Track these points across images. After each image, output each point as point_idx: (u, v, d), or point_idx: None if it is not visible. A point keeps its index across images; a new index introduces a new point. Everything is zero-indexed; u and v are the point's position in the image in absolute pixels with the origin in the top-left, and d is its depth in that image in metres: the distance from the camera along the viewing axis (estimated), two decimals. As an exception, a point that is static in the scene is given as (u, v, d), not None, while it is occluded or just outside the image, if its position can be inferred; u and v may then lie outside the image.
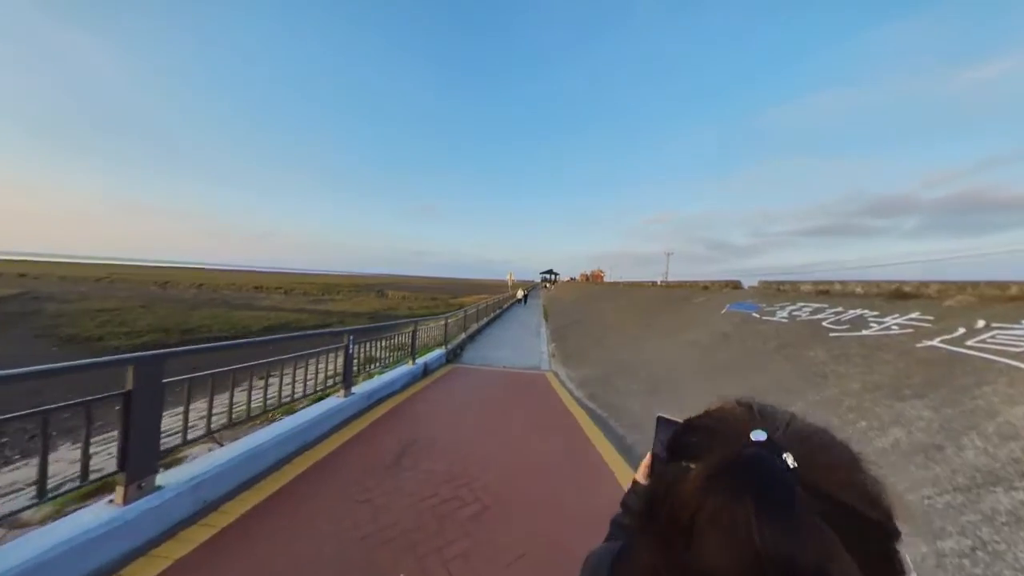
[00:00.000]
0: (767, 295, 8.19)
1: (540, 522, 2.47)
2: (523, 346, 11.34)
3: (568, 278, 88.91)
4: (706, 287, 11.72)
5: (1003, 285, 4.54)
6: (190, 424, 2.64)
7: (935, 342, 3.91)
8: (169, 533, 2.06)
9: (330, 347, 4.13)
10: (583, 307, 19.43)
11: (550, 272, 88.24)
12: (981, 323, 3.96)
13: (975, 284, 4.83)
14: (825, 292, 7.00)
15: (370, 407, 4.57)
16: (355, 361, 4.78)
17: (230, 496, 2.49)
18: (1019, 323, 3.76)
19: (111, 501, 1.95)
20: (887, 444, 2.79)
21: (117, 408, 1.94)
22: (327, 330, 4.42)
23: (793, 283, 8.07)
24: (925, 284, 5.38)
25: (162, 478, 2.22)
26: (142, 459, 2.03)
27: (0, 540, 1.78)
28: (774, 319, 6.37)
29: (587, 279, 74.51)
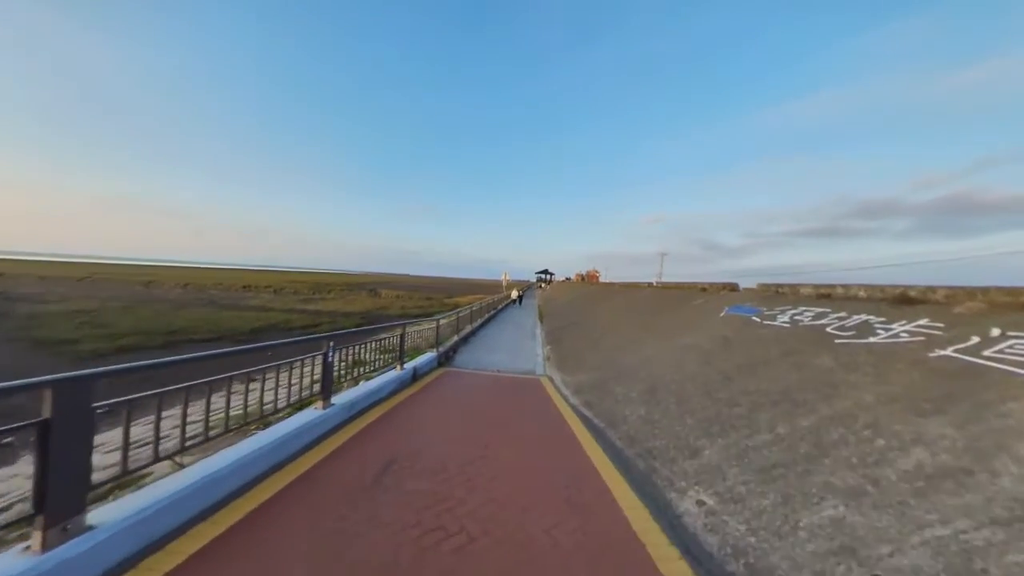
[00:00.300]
0: (766, 298, 8.01)
1: (530, 558, 2.21)
2: (518, 349, 11.09)
3: (564, 278, 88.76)
4: (704, 289, 11.54)
5: (1015, 291, 4.36)
6: (146, 444, 2.35)
7: (949, 351, 3.71)
8: (100, 583, 1.77)
9: (307, 355, 3.83)
10: (579, 308, 19.21)
11: (546, 272, 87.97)
12: (996, 332, 3.76)
13: (984, 290, 4.65)
14: (827, 296, 6.82)
15: (352, 418, 4.27)
16: (341, 366, 4.49)
17: (182, 531, 2.19)
18: (1037, 332, 3.58)
19: (27, 548, 1.65)
20: (910, 466, 2.57)
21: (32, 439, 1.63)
22: (303, 338, 4.11)
23: (793, 286, 7.89)
24: (932, 289, 5.20)
25: (97, 515, 1.92)
26: (66, 497, 1.73)
27: None
28: (775, 323, 6.18)
29: (582, 279, 74.44)
